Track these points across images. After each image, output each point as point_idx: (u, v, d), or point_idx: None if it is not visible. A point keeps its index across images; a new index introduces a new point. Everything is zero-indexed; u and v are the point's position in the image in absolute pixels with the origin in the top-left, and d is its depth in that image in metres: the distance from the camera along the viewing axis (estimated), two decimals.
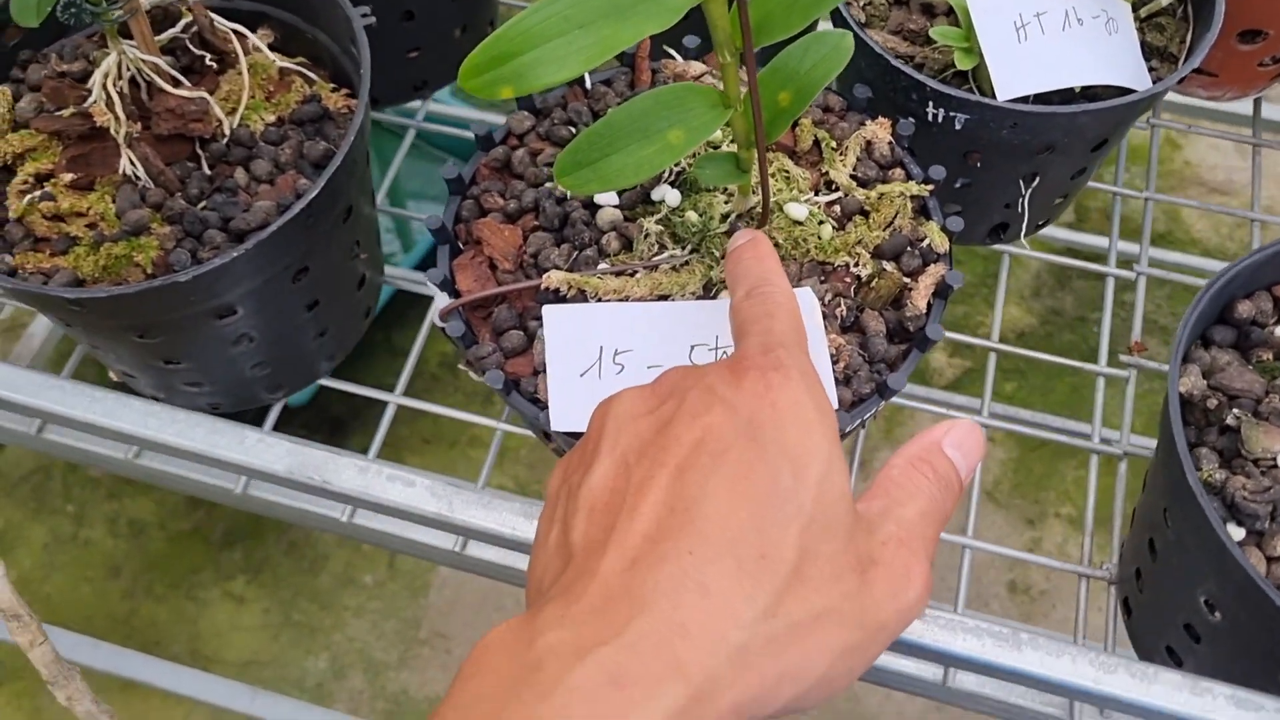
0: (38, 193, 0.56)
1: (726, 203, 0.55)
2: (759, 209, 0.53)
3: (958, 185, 0.65)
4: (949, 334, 0.60)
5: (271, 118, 0.59)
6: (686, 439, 0.36)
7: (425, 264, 1.31)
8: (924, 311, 0.53)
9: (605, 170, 0.47)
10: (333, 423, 1.40)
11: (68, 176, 0.56)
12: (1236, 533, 0.45)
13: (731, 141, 0.51)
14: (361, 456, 0.53)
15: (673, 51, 0.62)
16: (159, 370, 0.59)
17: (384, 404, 0.64)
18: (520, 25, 0.41)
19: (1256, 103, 0.79)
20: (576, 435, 0.50)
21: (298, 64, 0.62)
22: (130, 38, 0.56)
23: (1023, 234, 0.68)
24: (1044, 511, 1.52)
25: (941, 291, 0.54)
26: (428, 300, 0.84)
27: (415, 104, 0.79)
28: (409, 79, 0.77)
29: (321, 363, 0.65)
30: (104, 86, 0.56)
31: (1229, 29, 0.68)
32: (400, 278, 0.72)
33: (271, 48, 0.62)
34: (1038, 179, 0.64)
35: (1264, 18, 0.67)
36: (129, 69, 0.56)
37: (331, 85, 0.62)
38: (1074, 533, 1.52)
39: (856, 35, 0.62)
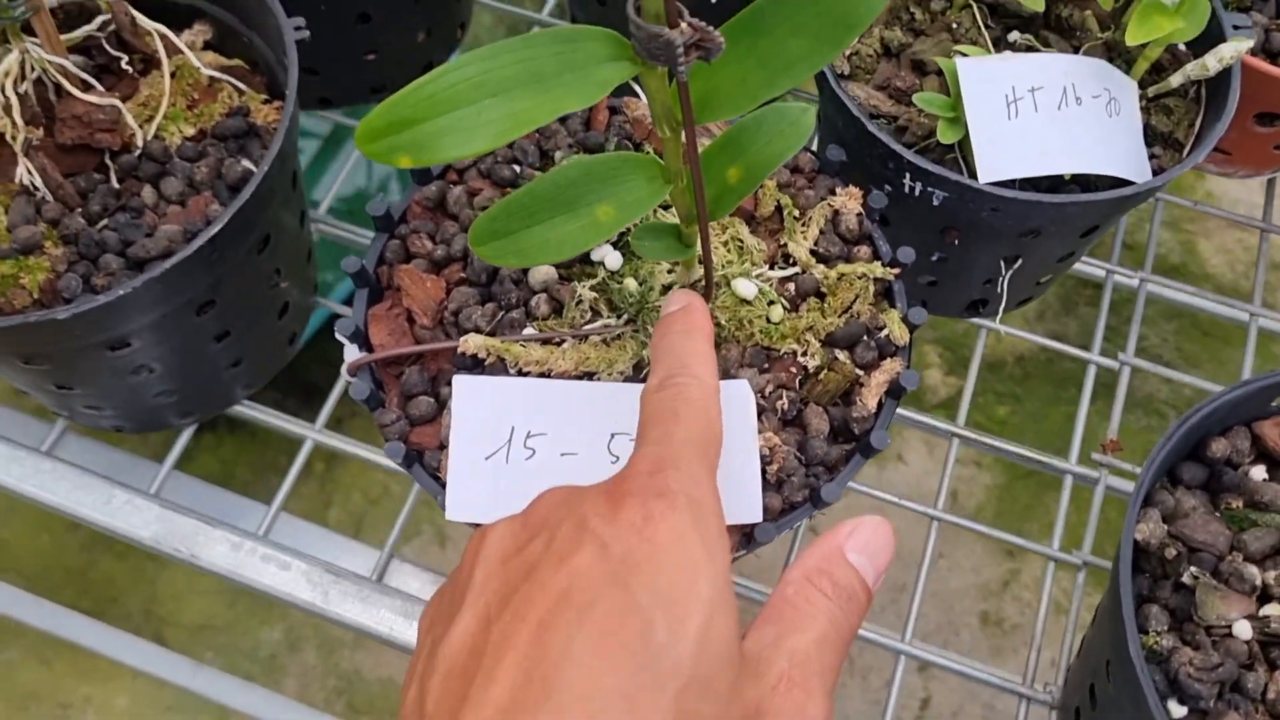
0: None
1: (670, 272, 0.50)
2: (702, 283, 0.49)
3: (934, 259, 0.60)
4: (945, 350, 0.55)
5: (192, 130, 0.55)
6: (552, 588, 0.31)
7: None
8: (873, 412, 0.49)
9: (524, 244, 0.42)
10: (307, 389, 1.35)
11: None
12: (1178, 710, 0.41)
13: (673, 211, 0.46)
14: (237, 531, 0.48)
15: (638, 88, 0.57)
16: (53, 393, 0.55)
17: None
18: (425, 89, 0.36)
19: (1269, 184, 0.74)
20: (474, 525, 0.46)
21: (231, 68, 0.57)
22: (35, 35, 0.51)
23: (1000, 314, 0.63)
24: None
25: (894, 391, 0.49)
26: None
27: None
28: (366, 81, 0.72)
29: (237, 390, 0.61)
30: (2, 89, 0.51)
31: (1245, 110, 0.63)
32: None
33: (208, 46, 0.58)
34: (1020, 260, 0.59)
35: None
36: (34, 69, 0.52)
37: (264, 96, 0.57)
38: (1048, 561, 1.48)
39: (834, 91, 0.57)
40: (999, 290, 0.61)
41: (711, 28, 0.36)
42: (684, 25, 0.35)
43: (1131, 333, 0.68)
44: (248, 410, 0.60)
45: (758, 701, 0.31)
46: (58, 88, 0.52)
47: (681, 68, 0.36)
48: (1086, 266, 0.69)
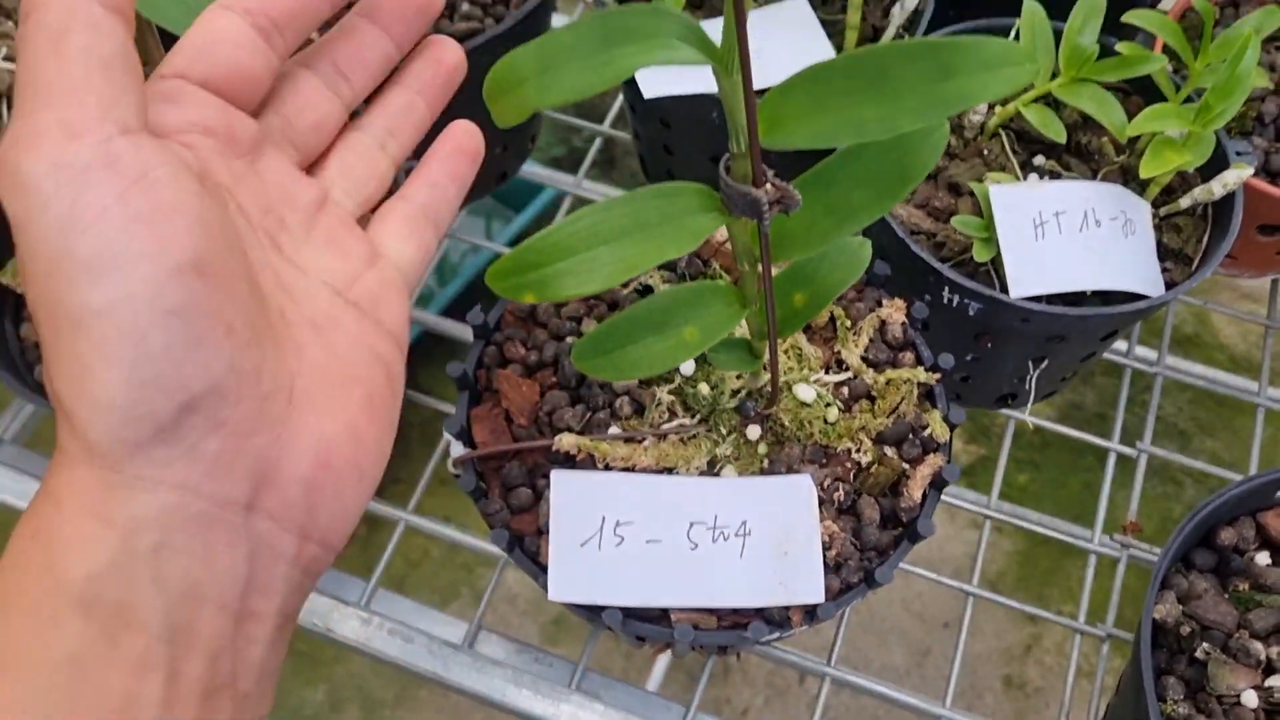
0: None
1: (738, 378, 0.57)
2: (768, 388, 0.55)
3: (969, 359, 0.67)
4: (966, 419, 0.61)
5: None
6: None
7: (460, 302, 1.34)
8: (919, 502, 0.55)
9: (621, 361, 0.48)
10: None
11: None
12: None
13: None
14: (354, 605, 0.55)
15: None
16: None
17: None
18: (549, 238, 0.43)
19: (1274, 284, 0.80)
20: (574, 606, 0.52)
21: None
22: None
23: (1029, 406, 0.69)
24: (1046, 608, 1.53)
25: (937, 483, 0.55)
26: (456, 342, 0.85)
27: None
28: None
29: None
30: None
31: (1248, 223, 0.70)
32: (429, 320, 0.75)
33: None
34: (1046, 361, 0.66)
35: None
36: None
37: None
38: (1073, 633, 1.53)
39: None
40: (1027, 387, 0.67)
41: (790, 187, 0.43)
42: (769, 185, 0.42)
43: (1148, 424, 0.74)
44: None
45: None
46: None
47: (765, 219, 0.43)
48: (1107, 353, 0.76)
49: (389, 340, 0.40)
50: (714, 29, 0.68)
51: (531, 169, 0.88)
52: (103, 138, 0.29)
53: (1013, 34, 0.66)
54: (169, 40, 0.47)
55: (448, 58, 0.45)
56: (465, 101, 0.71)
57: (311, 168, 0.41)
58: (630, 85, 0.72)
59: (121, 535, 0.30)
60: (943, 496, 0.70)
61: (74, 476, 0.31)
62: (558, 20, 0.89)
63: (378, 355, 0.39)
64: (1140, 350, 0.77)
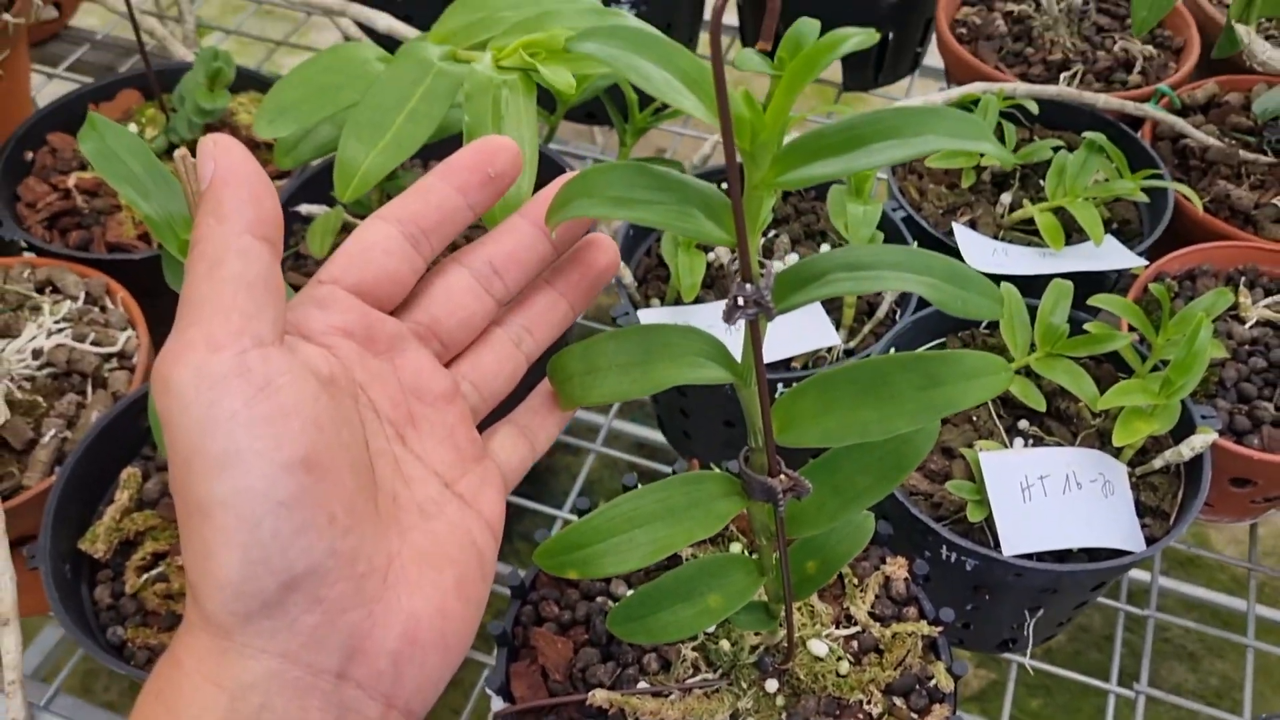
0: (154, 571, 0.64)
1: (756, 635, 0.62)
2: (784, 644, 0.60)
3: (969, 609, 0.72)
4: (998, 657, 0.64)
5: None
6: None
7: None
8: None
9: (652, 626, 0.54)
10: None
11: (180, 560, 0.64)
12: None
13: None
14: None
15: None
16: None
17: None
18: (591, 522, 0.49)
19: (1252, 529, 0.86)
20: None
21: None
22: None
23: (1028, 652, 0.73)
24: None
25: None
26: None
27: None
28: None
29: None
30: None
31: (1220, 477, 0.76)
32: None
33: None
34: (1042, 610, 0.70)
35: (1253, 472, 0.75)
36: None
37: None
38: None
39: None
40: (1025, 634, 0.72)
41: (801, 477, 0.49)
42: (782, 475, 0.49)
43: (1143, 666, 0.78)
44: None
45: None
46: None
47: (780, 505, 0.49)
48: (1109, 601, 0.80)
49: (486, 530, 0.45)
50: (715, 311, 0.75)
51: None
52: (239, 351, 0.34)
53: None
54: None
55: (600, 261, 0.47)
56: None
57: (451, 359, 0.46)
58: None
59: (230, 697, 0.35)
60: None
61: (194, 642, 0.36)
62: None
63: (473, 541, 0.44)
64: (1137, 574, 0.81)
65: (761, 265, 0.41)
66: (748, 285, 0.41)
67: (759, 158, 0.39)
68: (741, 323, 0.41)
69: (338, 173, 0.55)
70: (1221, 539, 1.79)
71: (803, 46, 0.79)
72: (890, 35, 1.14)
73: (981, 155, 0.87)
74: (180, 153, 0.51)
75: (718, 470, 0.51)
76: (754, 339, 0.44)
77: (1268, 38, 0.97)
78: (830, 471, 0.52)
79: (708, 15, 1.22)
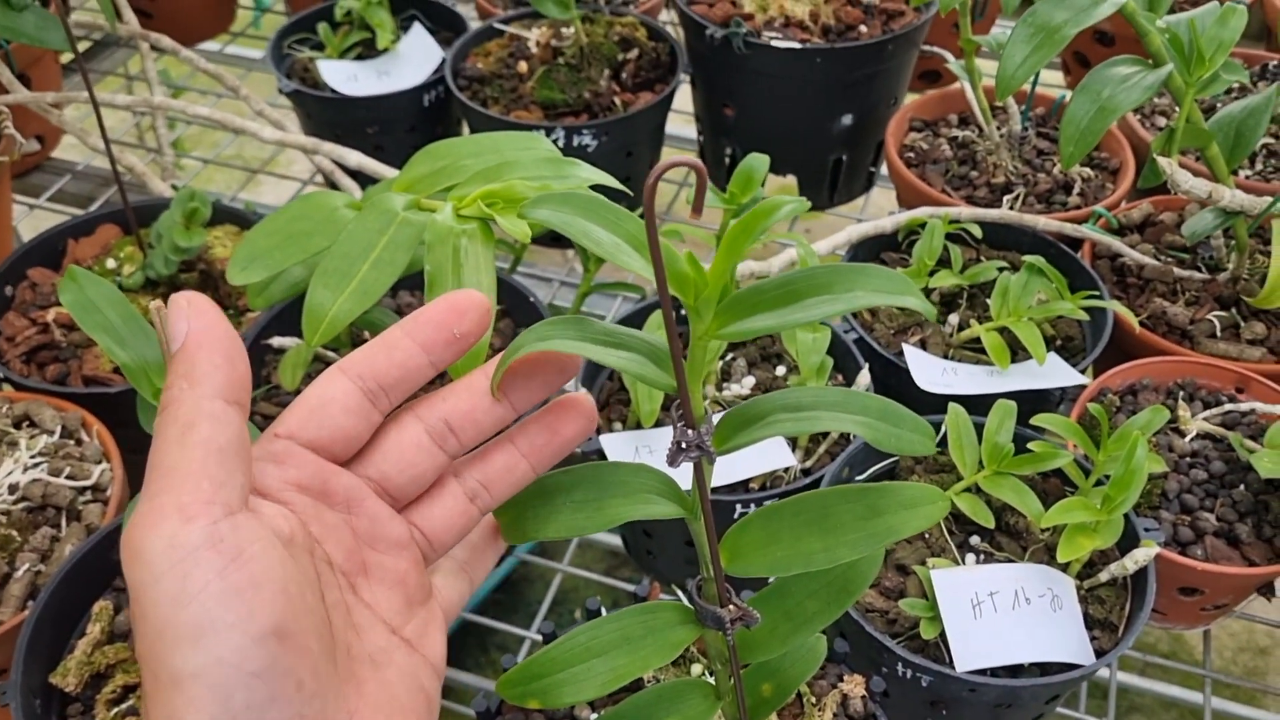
0: (124, 705, 0.65)
1: None
2: None
3: None
4: None
5: None
6: None
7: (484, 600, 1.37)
8: None
9: None
10: None
11: None
12: None
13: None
14: None
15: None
16: None
17: None
18: (550, 654, 0.51)
19: (1205, 636, 0.88)
20: None
21: None
22: None
23: None
24: None
25: None
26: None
27: None
28: None
29: None
30: None
31: (1169, 587, 0.78)
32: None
33: None
34: None
35: (1199, 582, 0.77)
36: None
37: None
38: None
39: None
40: None
41: (750, 608, 0.51)
42: (732, 605, 0.51)
43: None
44: None
45: None
46: None
47: (730, 633, 0.51)
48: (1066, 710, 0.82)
49: (432, 674, 0.46)
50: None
51: None
52: (211, 520, 0.35)
53: (942, 431, 0.76)
54: None
55: (568, 429, 0.47)
56: None
57: (403, 508, 0.46)
58: None
59: None
60: None
61: None
62: None
63: (421, 686, 0.44)
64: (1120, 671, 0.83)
65: (706, 411, 0.44)
66: (689, 431, 0.44)
67: (702, 312, 0.42)
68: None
69: (306, 319, 0.57)
70: (1197, 635, 1.80)
71: (750, 187, 0.83)
72: (844, 158, 1.19)
73: (930, 275, 0.90)
74: (155, 305, 0.54)
75: (672, 599, 0.53)
76: (698, 479, 0.47)
77: (1195, 165, 1.02)
78: (781, 597, 0.54)
79: (667, 149, 1.27)
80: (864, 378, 0.83)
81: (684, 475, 0.49)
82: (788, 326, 0.42)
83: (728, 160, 1.22)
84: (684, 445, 0.43)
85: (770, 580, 0.54)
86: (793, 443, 0.81)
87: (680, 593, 0.53)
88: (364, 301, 0.57)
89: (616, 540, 1.23)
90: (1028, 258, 0.87)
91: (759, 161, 0.82)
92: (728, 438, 0.46)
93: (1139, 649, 0.84)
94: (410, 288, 0.92)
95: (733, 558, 0.50)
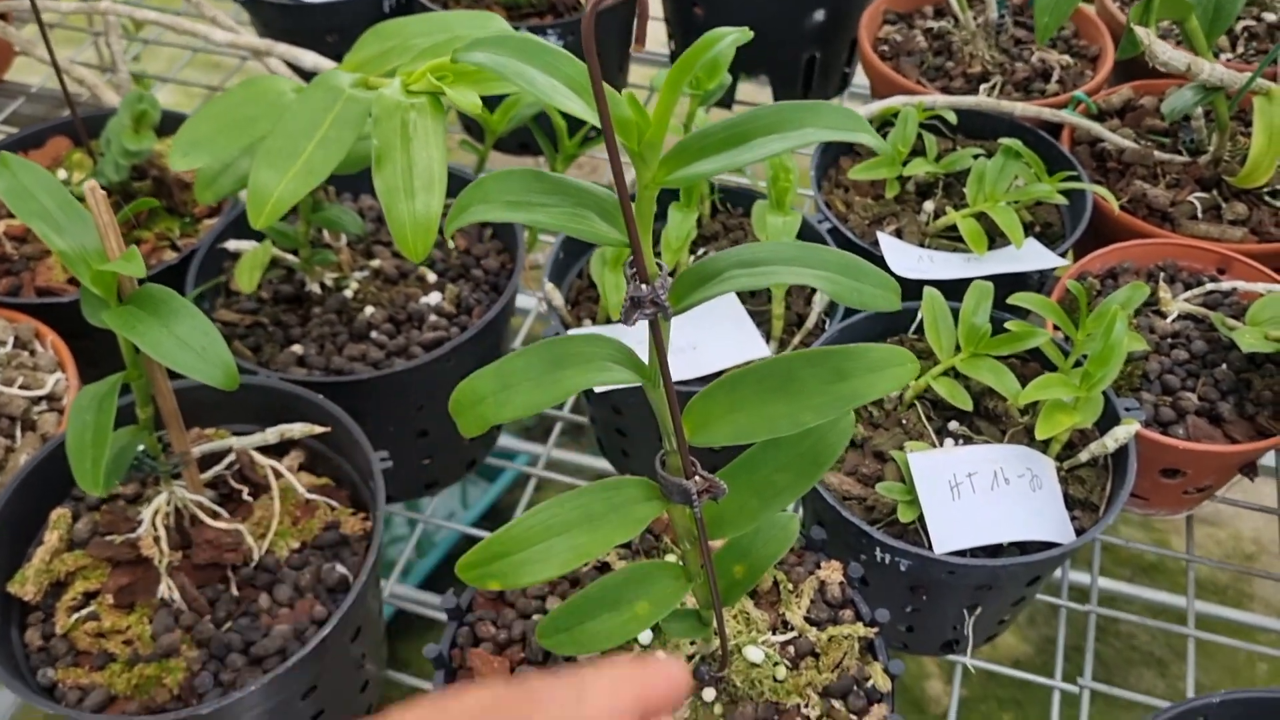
0: (84, 610, 0.64)
1: (692, 644, 0.62)
2: (719, 653, 0.60)
3: (908, 610, 0.72)
4: (944, 661, 0.64)
5: (295, 544, 0.67)
6: None
7: (439, 573, 1.37)
8: None
9: (580, 636, 0.54)
10: None
11: (111, 598, 0.64)
12: None
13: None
14: None
15: None
16: None
17: None
18: (510, 531, 0.49)
19: (1188, 521, 0.87)
20: None
21: (321, 486, 0.70)
22: (181, 477, 0.65)
23: (969, 651, 0.74)
24: None
25: None
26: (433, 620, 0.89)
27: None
28: (422, 479, 0.86)
29: None
30: (153, 522, 0.64)
31: (1151, 469, 0.77)
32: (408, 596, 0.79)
33: (301, 466, 0.71)
34: (980, 608, 0.71)
35: (1181, 462, 0.76)
36: (176, 504, 0.65)
37: (350, 509, 0.70)
38: None
39: None
40: (965, 633, 0.72)
41: (716, 478, 0.50)
42: (697, 477, 0.49)
43: (1087, 658, 0.78)
44: None
45: None
46: (193, 518, 0.66)
47: (696, 506, 0.49)
48: (1051, 599, 0.81)
49: None
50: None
51: (505, 440, 0.94)
52: None
53: (918, 317, 0.74)
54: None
55: None
56: (437, 401, 0.78)
57: None
58: None
59: None
60: None
61: None
62: (523, 324, 0.98)
63: None
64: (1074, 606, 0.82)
65: (660, 267, 0.42)
66: (644, 285, 0.42)
67: (647, 157, 0.40)
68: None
69: (250, 199, 0.55)
70: (1183, 542, 1.81)
71: (716, 73, 0.80)
72: (817, 55, 1.16)
73: (905, 164, 0.88)
74: (90, 184, 0.52)
75: (637, 478, 0.51)
76: (656, 339, 0.45)
77: (1173, 39, 0.99)
78: (749, 471, 0.53)
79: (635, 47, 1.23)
80: None
81: (643, 349, 0.48)
82: (736, 166, 0.40)
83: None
84: (637, 300, 0.41)
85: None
86: (766, 333, 0.80)
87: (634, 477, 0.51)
88: (310, 181, 0.55)
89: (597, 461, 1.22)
90: (1005, 140, 0.85)
91: (721, 36, 0.79)
92: (684, 295, 0.44)
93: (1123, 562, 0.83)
94: (371, 190, 0.89)
95: (697, 428, 0.48)
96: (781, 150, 0.39)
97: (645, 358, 0.47)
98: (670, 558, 0.66)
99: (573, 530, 0.50)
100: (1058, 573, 0.83)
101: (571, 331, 0.77)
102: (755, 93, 1.37)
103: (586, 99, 0.40)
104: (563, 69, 0.41)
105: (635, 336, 0.82)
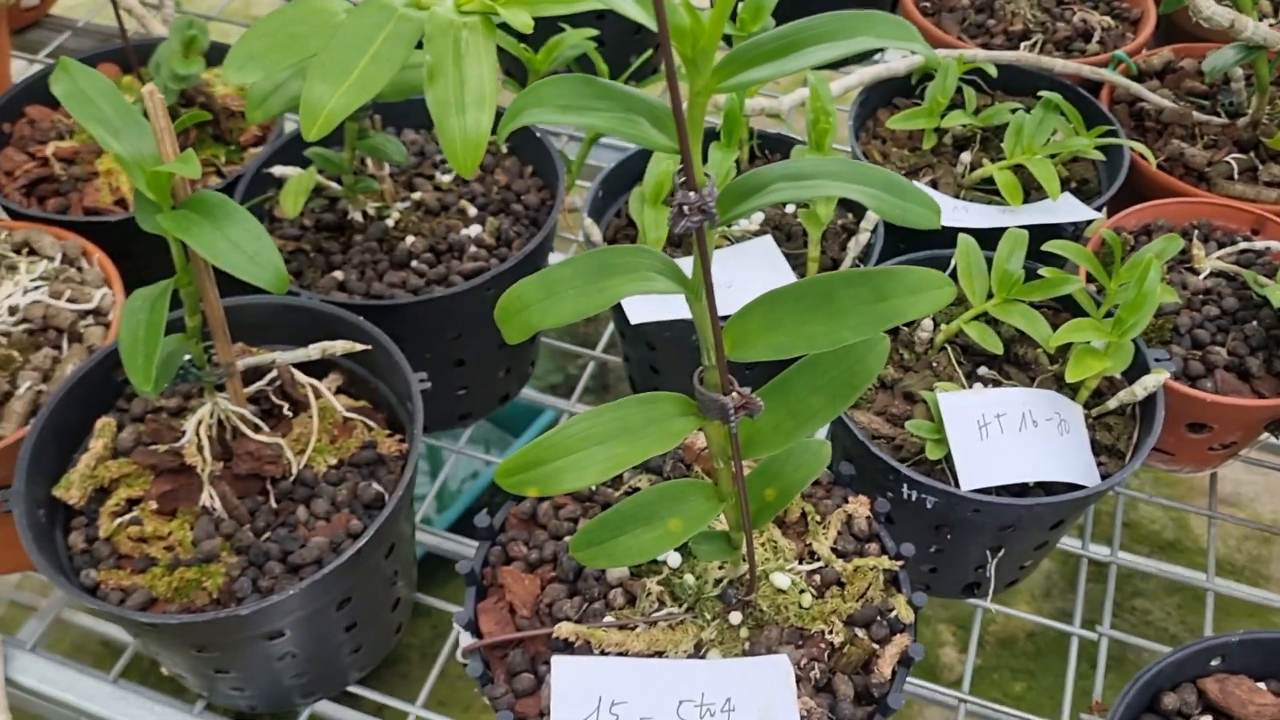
0: (127, 516, 0.65)
1: (720, 568, 0.63)
2: (747, 577, 0.61)
3: (932, 550, 0.73)
4: (958, 629, 0.65)
5: (333, 460, 0.69)
6: None
7: (458, 527, 1.39)
8: (889, 678, 0.60)
9: (613, 550, 0.55)
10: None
11: (154, 504, 0.66)
12: None
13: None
14: None
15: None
16: (209, 676, 0.67)
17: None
18: (549, 440, 0.50)
19: (1212, 478, 0.87)
20: None
21: (360, 408, 0.72)
22: (224, 389, 0.67)
23: (990, 595, 0.75)
24: None
25: (905, 661, 0.61)
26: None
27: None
28: (457, 410, 0.87)
29: (353, 673, 0.72)
30: (196, 431, 0.65)
31: (1178, 422, 0.77)
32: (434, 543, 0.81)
33: (340, 390, 0.73)
34: (1003, 550, 0.72)
35: (1208, 416, 0.76)
36: (219, 416, 0.66)
37: (387, 431, 0.71)
38: None
39: (842, 419, 0.71)
40: (988, 574, 0.73)
41: (753, 394, 0.51)
42: (734, 393, 0.50)
43: (1106, 607, 0.79)
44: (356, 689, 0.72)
45: None
46: (235, 430, 0.67)
47: (733, 422, 0.50)
48: (1072, 547, 0.82)
49: None
50: (690, 266, 0.77)
51: (529, 394, 0.96)
52: None
53: (951, 264, 0.75)
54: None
55: None
56: (475, 330, 0.80)
57: None
58: (619, 313, 0.81)
59: None
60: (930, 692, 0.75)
61: None
62: (554, 258, 0.99)
63: None
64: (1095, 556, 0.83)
65: (708, 177, 0.43)
66: (691, 193, 0.43)
67: (700, 64, 0.41)
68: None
69: (303, 111, 0.56)
70: (1202, 522, 1.81)
71: (761, 15, 0.80)
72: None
73: (942, 117, 0.88)
74: (148, 88, 0.53)
75: (674, 393, 0.52)
76: (701, 249, 0.46)
77: None
78: (784, 393, 0.54)
79: None
80: (873, 214, 0.81)
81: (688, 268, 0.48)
82: (787, 73, 0.40)
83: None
84: (685, 209, 0.42)
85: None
86: (801, 275, 0.80)
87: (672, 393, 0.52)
88: (362, 95, 0.56)
89: None
90: (1045, 94, 0.85)
91: None
92: (730, 206, 0.45)
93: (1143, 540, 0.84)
94: (414, 125, 0.90)
95: (735, 343, 0.49)
96: (834, 57, 0.40)
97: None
98: None
99: (611, 440, 0.51)
100: (1076, 541, 0.83)
101: None
102: None
103: (643, 5, 0.41)
104: None
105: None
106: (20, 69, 1.21)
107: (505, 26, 0.59)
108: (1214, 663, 0.61)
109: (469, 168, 0.55)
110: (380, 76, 0.57)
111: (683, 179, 0.42)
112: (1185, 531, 1.82)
